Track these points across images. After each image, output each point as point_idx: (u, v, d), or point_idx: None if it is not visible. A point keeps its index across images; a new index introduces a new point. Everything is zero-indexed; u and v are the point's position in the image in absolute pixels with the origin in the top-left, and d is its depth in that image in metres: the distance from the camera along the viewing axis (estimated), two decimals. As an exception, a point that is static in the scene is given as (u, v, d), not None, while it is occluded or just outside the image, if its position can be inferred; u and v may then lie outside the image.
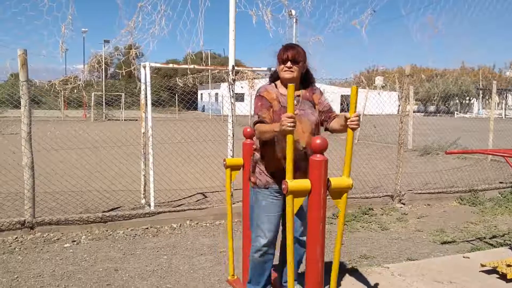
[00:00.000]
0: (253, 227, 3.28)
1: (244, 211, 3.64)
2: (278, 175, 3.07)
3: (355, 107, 2.70)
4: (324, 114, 3.18)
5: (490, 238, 5.41)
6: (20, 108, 5.25)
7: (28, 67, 5.14)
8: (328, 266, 2.86)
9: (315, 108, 3.19)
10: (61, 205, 6.29)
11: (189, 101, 29.75)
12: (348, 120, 2.71)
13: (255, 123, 3.04)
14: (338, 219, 2.73)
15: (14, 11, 5.47)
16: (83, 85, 6.32)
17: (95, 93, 35.15)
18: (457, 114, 47.59)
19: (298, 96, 3.13)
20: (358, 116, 2.73)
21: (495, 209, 6.88)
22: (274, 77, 3.27)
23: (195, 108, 50.80)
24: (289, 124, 2.53)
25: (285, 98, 3.05)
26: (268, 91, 3.14)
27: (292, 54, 3.06)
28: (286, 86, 3.12)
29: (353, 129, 2.72)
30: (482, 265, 4.04)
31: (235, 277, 3.88)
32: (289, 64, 3.06)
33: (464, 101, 56.46)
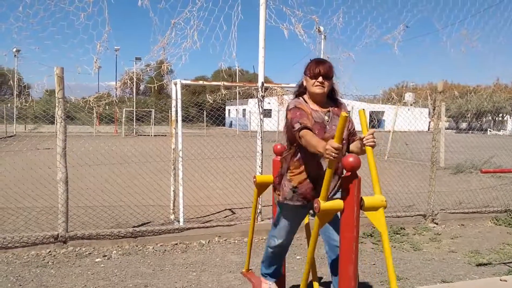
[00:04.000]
0: (272, 228, 3.47)
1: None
2: (301, 191, 3.08)
3: (367, 127, 2.79)
4: (350, 135, 3.16)
5: (528, 261, 5.20)
6: (54, 123, 5.40)
7: (64, 84, 5.30)
8: (360, 285, 2.80)
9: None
10: (93, 219, 6.40)
11: (218, 117, 30.02)
12: (364, 140, 2.77)
13: (301, 128, 2.88)
14: (382, 242, 2.65)
15: (52, 30, 5.69)
16: (117, 101, 6.46)
17: (126, 109, 35.92)
18: (490, 131, 46.38)
19: (329, 111, 3.11)
20: (372, 133, 2.76)
21: (533, 230, 6.63)
22: (300, 92, 3.22)
23: (223, 124, 51.19)
24: (333, 155, 2.49)
25: (316, 113, 3.04)
26: (302, 105, 3.08)
27: (324, 69, 3.04)
28: (315, 101, 3.12)
29: (372, 146, 2.75)
30: (522, 289, 3.88)
31: (250, 270, 4.03)
32: (321, 79, 3.03)
33: (497, 118, 55.04)
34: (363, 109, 2.76)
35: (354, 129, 3.21)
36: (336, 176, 3.04)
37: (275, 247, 3.43)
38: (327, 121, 3.05)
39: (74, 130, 26.26)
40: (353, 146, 3.13)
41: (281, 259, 3.61)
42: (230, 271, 4.77)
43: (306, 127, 2.87)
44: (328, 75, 3.06)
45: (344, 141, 3.01)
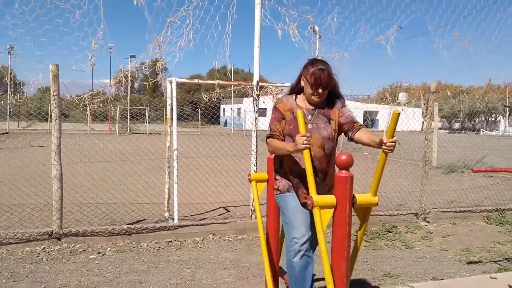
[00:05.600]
0: (287, 232, 3.17)
1: (268, 225, 3.65)
2: (295, 187, 3.17)
3: (393, 132, 2.62)
4: (347, 125, 3.17)
5: (518, 259, 5.28)
6: (48, 121, 5.42)
7: (59, 81, 5.31)
8: (352, 282, 2.85)
9: (330, 123, 3.17)
10: (87, 216, 6.42)
11: (213, 116, 30.04)
12: (385, 144, 2.66)
13: (267, 137, 3.15)
14: (358, 231, 2.73)
15: (47, 27, 5.69)
16: (111, 98, 6.49)
17: (121, 106, 35.84)
18: (482, 131, 46.70)
19: (314, 110, 3.17)
20: (395, 142, 2.65)
21: (523, 229, 6.72)
22: (296, 91, 3.27)
23: (218, 123, 51.20)
24: (305, 142, 2.70)
25: (300, 109, 3.09)
26: (283, 103, 3.21)
27: (325, 81, 3.03)
28: (310, 103, 3.17)
29: (386, 153, 2.69)
30: (510, 286, 3.94)
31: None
32: (320, 91, 3.06)
33: (490, 119, 55.44)
34: (399, 112, 2.53)
35: (350, 118, 3.18)
36: (325, 176, 3.11)
37: (301, 246, 3.02)
38: (310, 120, 3.11)
39: (68, 128, 26.17)
40: (364, 136, 3.03)
41: (311, 274, 3.15)
42: (224, 268, 4.81)
43: (271, 136, 3.13)
44: (328, 86, 3.09)
45: (322, 137, 3.10)
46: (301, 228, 3.07)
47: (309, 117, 3.14)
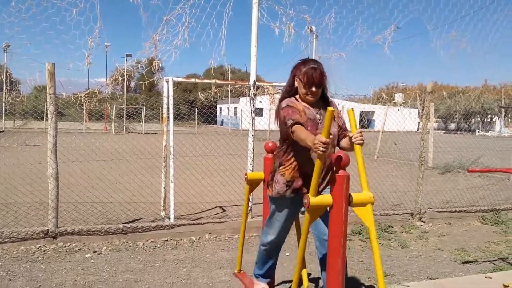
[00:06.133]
0: (267, 222, 3.49)
1: (264, 224, 3.67)
2: (294, 186, 3.16)
3: (356, 126, 2.95)
4: (340, 131, 3.24)
5: (513, 259, 5.31)
6: (43, 119, 5.42)
7: (55, 80, 5.30)
8: (348, 281, 2.86)
9: (335, 120, 3.20)
10: (83, 215, 6.40)
11: (209, 115, 30.03)
12: (352, 138, 2.87)
13: (293, 124, 2.95)
14: (370, 237, 2.73)
15: (44, 25, 5.68)
16: (108, 97, 6.48)
17: (117, 106, 35.75)
18: (478, 132, 46.86)
19: (320, 110, 3.19)
20: (360, 132, 2.86)
21: (518, 229, 6.75)
22: (293, 93, 3.27)
23: (214, 122, 51.19)
24: (321, 149, 2.55)
25: (309, 111, 3.12)
26: (295, 104, 3.16)
27: (318, 80, 3.07)
28: (306, 102, 3.19)
29: (360, 144, 2.85)
30: (505, 286, 3.97)
31: (242, 271, 4.12)
32: (314, 89, 3.08)
33: (485, 119, 55.61)
34: (352, 109, 2.89)
35: (344, 124, 3.28)
36: (324, 172, 3.11)
37: (268, 243, 3.49)
38: (319, 119, 3.13)
39: (64, 126, 26.10)
40: (344, 143, 3.21)
41: (274, 259, 3.66)
42: (220, 267, 4.81)
43: (298, 123, 2.95)
44: (321, 85, 3.11)
45: (331, 136, 3.04)
46: (278, 232, 3.40)
47: (318, 116, 3.15)
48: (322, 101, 3.24)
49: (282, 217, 3.33)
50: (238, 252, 4.13)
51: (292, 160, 3.15)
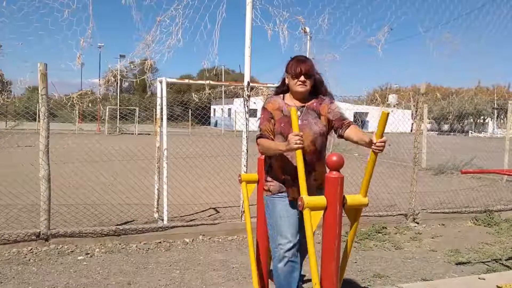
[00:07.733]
0: (272, 237, 3.17)
1: (258, 226, 3.64)
2: (287, 185, 3.14)
3: (382, 132, 2.61)
4: (336, 122, 3.13)
5: (506, 260, 5.32)
6: (36, 121, 5.37)
7: (47, 81, 5.25)
8: (343, 283, 2.84)
9: (320, 118, 3.16)
10: (76, 217, 6.35)
11: (203, 116, 29.97)
12: (374, 144, 2.63)
13: (257, 137, 3.12)
14: (349, 232, 2.74)
15: (36, 25, 5.63)
16: (101, 98, 6.44)
17: (110, 106, 35.60)
18: (471, 133, 47.13)
19: (303, 107, 3.17)
20: (385, 142, 2.63)
21: (511, 230, 6.77)
22: (283, 90, 3.29)
23: (208, 123, 51.09)
24: (297, 142, 2.68)
25: (289, 107, 3.09)
26: (271, 102, 3.21)
27: (305, 68, 3.08)
28: (297, 98, 3.20)
29: (376, 153, 2.66)
30: (498, 287, 3.97)
31: None
32: (302, 78, 3.08)
33: (478, 120, 55.95)
34: (388, 113, 2.52)
35: (340, 115, 3.14)
36: (312, 171, 3.09)
37: (286, 252, 3.05)
38: (299, 116, 3.10)
39: (56, 127, 25.92)
40: (353, 134, 2.98)
41: (297, 279, 3.18)
42: (214, 269, 4.78)
43: (261, 136, 3.09)
44: (309, 73, 3.11)
45: (314, 134, 3.09)
46: (287, 234, 3.07)
47: (298, 113, 3.13)
48: (312, 97, 3.22)
49: (289, 211, 3.13)
50: (251, 262, 3.56)
51: (278, 163, 3.16)
